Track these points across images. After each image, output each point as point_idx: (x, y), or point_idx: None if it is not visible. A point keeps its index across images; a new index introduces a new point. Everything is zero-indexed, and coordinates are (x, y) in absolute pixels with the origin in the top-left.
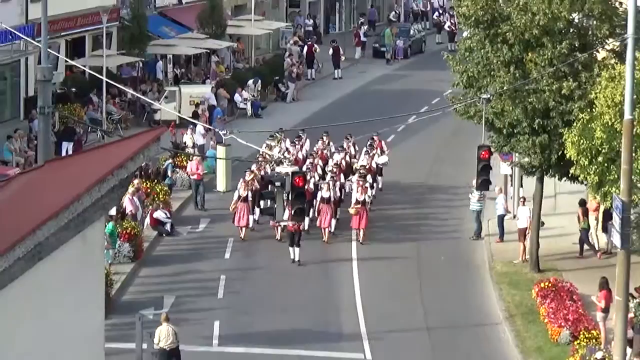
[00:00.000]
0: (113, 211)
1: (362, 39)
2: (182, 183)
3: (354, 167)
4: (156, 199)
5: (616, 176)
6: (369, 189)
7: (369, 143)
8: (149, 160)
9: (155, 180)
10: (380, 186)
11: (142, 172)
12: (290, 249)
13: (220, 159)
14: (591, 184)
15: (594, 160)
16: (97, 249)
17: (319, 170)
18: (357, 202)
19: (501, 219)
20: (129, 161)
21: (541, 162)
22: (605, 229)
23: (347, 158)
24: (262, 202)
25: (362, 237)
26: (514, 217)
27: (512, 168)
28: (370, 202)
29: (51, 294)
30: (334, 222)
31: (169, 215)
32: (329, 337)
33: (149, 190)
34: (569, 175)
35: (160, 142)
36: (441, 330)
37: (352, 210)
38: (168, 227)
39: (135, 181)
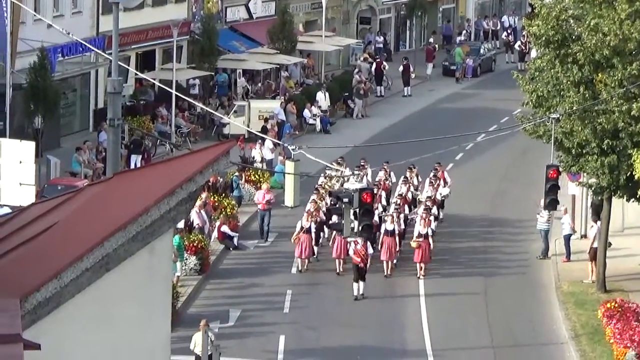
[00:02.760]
0: (181, 224)
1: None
2: (250, 197)
3: (417, 198)
4: (224, 212)
5: None
6: (432, 221)
7: (432, 174)
8: (218, 174)
9: (223, 194)
10: (441, 217)
11: (211, 186)
12: (355, 284)
13: (289, 174)
14: None
15: None
16: (164, 262)
17: (383, 202)
18: (420, 235)
19: (568, 238)
20: (198, 174)
21: (609, 183)
22: None
23: (412, 189)
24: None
25: (422, 271)
26: (582, 237)
27: (581, 188)
28: (433, 234)
29: (118, 305)
30: (397, 255)
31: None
32: (394, 353)
33: (216, 204)
34: (638, 196)
35: (229, 156)
36: (507, 349)
37: (413, 244)
38: (235, 240)
39: (203, 195)
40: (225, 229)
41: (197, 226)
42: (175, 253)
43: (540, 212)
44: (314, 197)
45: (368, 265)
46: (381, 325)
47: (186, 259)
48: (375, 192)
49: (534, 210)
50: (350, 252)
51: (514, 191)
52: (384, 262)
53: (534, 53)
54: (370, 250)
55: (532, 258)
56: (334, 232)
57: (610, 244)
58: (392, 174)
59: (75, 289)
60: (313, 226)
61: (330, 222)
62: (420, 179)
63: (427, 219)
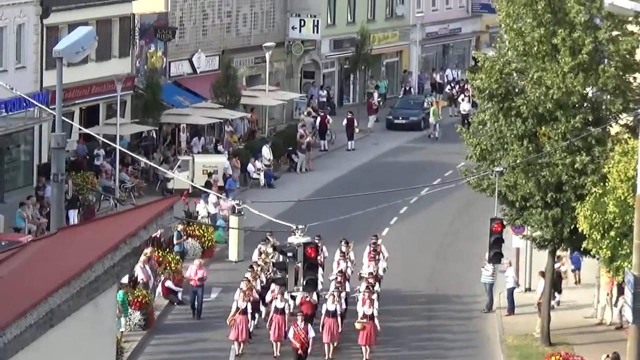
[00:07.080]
0: (125, 279)
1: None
2: (194, 252)
3: (359, 274)
4: (168, 267)
5: (628, 251)
6: (375, 300)
7: (372, 247)
8: (162, 229)
9: (167, 249)
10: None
11: (154, 241)
12: None
13: (233, 228)
14: (603, 258)
15: (606, 234)
16: (108, 317)
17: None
18: (364, 315)
19: (511, 292)
20: (142, 229)
21: (553, 236)
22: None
23: (349, 265)
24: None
25: (367, 354)
26: (526, 290)
27: (525, 241)
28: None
29: None
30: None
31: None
32: None
33: (160, 259)
34: (581, 249)
35: (173, 211)
36: None
37: (358, 325)
38: (180, 295)
39: (147, 250)
40: (169, 284)
41: (141, 281)
42: (119, 308)
43: (484, 265)
44: (247, 275)
45: (309, 349)
46: None
47: (130, 314)
48: None
49: (478, 263)
50: (290, 335)
51: (458, 244)
52: (326, 345)
53: (465, 105)
54: (312, 333)
55: (477, 312)
56: (272, 313)
57: (554, 296)
58: (324, 248)
59: (19, 345)
60: (249, 306)
61: (273, 278)
62: (354, 255)
63: (370, 298)
